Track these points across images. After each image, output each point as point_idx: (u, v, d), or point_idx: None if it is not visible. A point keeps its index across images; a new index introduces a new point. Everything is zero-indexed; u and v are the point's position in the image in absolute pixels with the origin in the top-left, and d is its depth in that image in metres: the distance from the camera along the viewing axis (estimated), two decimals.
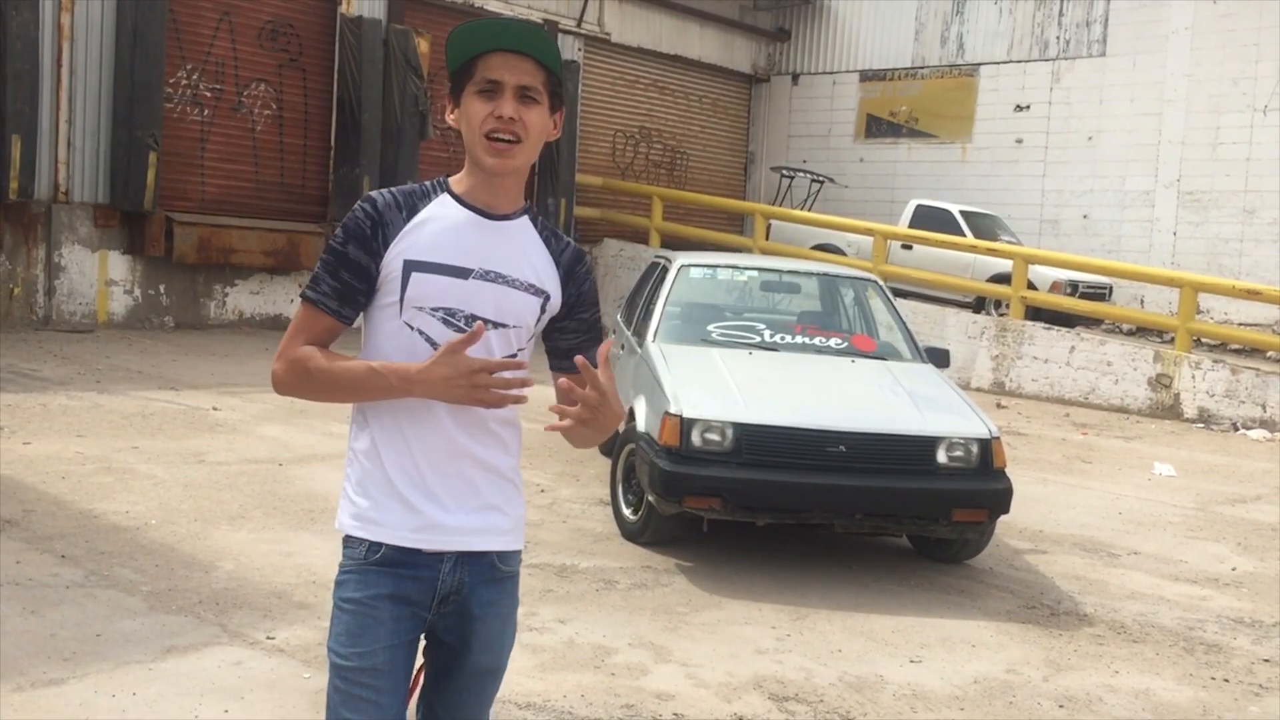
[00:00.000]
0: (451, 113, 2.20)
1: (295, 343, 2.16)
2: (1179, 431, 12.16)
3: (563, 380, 2.14)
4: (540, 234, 2.25)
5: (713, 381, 6.23)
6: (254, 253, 13.89)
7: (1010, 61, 19.05)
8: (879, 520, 5.88)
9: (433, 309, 2.13)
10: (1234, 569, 6.67)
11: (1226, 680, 4.83)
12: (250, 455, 7.52)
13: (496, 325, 2.16)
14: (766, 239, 17.13)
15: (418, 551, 2.15)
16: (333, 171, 15.01)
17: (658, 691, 4.25)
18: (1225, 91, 16.87)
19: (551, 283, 2.23)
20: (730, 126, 21.78)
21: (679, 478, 5.68)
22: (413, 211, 2.16)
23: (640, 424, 6.21)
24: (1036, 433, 11.37)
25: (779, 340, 7.04)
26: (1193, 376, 12.94)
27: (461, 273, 2.14)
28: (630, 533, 6.29)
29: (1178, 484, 9.22)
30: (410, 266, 2.13)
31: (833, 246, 16.96)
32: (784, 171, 19.90)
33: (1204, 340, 14.54)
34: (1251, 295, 13.63)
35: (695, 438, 5.75)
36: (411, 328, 2.14)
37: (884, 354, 7.13)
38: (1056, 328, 14.22)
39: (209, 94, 14.00)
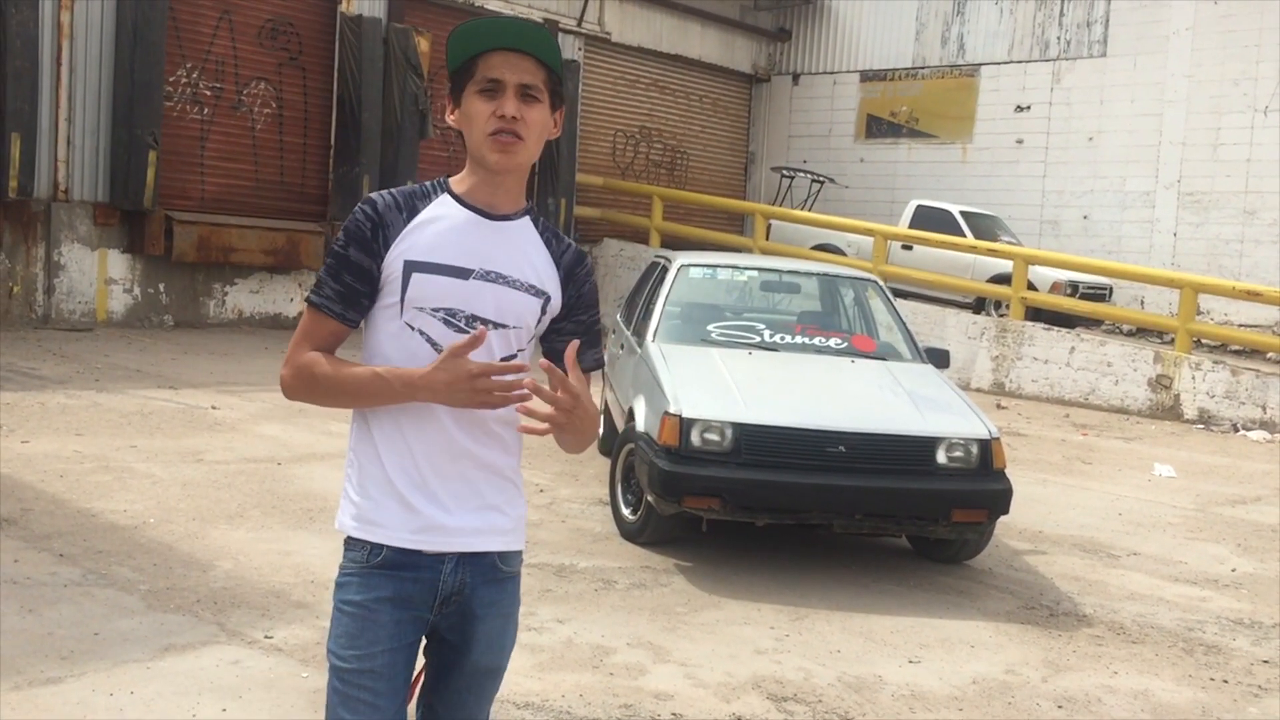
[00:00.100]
0: (452, 113, 2.19)
1: (302, 349, 2.17)
2: (1179, 432, 12.16)
3: (543, 361, 2.12)
4: (541, 235, 2.24)
5: (712, 381, 6.22)
6: (253, 252, 13.88)
7: (1011, 62, 19.04)
8: (878, 520, 5.87)
9: (433, 309, 2.13)
10: (1233, 570, 6.67)
11: (1225, 681, 4.83)
12: (249, 454, 7.52)
13: (497, 326, 2.15)
14: (767, 239, 17.13)
15: (419, 553, 2.14)
16: (332, 170, 15.00)
17: (656, 691, 4.24)
18: (1226, 92, 16.87)
19: (552, 284, 2.23)
20: (731, 126, 21.78)
21: (678, 478, 5.67)
22: (413, 212, 2.16)
23: (639, 424, 6.20)
24: (1036, 433, 11.36)
25: (779, 340, 7.03)
26: (1193, 377, 12.93)
27: (462, 273, 2.13)
28: (629, 533, 6.28)
29: (1178, 485, 9.21)
30: (411, 267, 2.12)
31: (833, 247, 16.96)
32: (784, 171, 19.90)
33: (1204, 341, 14.53)
34: (1252, 296, 13.63)
35: (695, 438, 5.74)
36: (412, 328, 2.13)
37: (884, 354, 7.12)
38: (1056, 328, 14.22)
39: (209, 92, 14.00)
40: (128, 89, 12.68)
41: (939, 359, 7.20)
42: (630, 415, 6.48)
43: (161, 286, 13.50)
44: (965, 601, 5.70)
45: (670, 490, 5.69)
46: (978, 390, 14.12)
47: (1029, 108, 18.84)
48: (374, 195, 2.19)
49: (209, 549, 5.46)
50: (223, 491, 6.52)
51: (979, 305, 15.66)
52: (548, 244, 2.24)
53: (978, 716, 4.28)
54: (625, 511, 6.37)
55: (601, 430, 8.46)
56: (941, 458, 5.86)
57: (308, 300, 2.19)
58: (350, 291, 2.14)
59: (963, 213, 16.58)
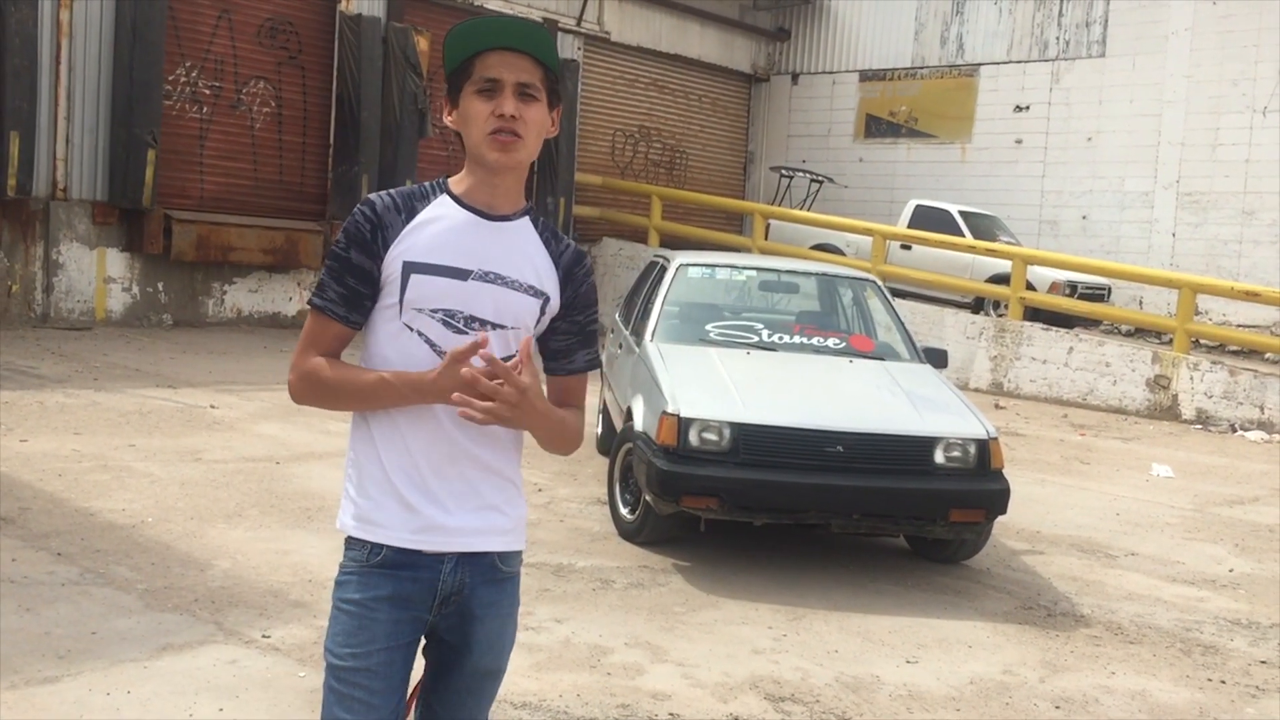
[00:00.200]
0: (450, 114, 2.19)
1: (307, 353, 2.18)
2: (1177, 433, 12.16)
3: (483, 351, 2.07)
4: (541, 235, 2.24)
5: (710, 381, 6.22)
6: (252, 251, 13.88)
7: (1010, 62, 19.05)
8: (876, 520, 5.87)
9: (432, 310, 2.13)
10: (1231, 570, 6.67)
11: (1223, 682, 4.83)
12: (247, 453, 7.52)
13: (495, 326, 2.16)
14: (765, 239, 17.13)
15: (418, 553, 2.14)
16: (331, 169, 15.00)
17: (654, 691, 4.24)
18: (1225, 93, 16.87)
19: (551, 284, 2.22)
20: (730, 126, 21.78)
21: (676, 477, 5.67)
22: (412, 213, 2.16)
23: (638, 423, 6.21)
24: (1034, 433, 11.37)
25: (777, 340, 7.03)
26: (1191, 378, 12.94)
27: (460, 274, 2.13)
28: (627, 532, 6.28)
29: (1175, 485, 9.22)
30: (409, 268, 2.13)
31: (832, 246, 16.96)
32: (783, 171, 19.90)
33: (1202, 341, 14.54)
34: (1250, 297, 13.63)
35: (693, 437, 5.74)
36: (411, 329, 2.14)
37: (882, 354, 7.13)
38: (1055, 328, 14.22)
39: (208, 91, 13.99)
40: (127, 88, 12.68)
41: (937, 359, 7.20)
42: (628, 415, 6.48)
43: (160, 285, 13.49)
44: (963, 601, 5.70)
45: (668, 490, 5.69)
46: (976, 390, 14.13)
47: (1028, 108, 18.84)
48: (373, 196, 2.19)
49: (207, 548, 5.46)
50: (221, 491, 6.52)
51: (978, 305, 15.67)
52: (547, 244, 2.24)
53: (975, 717, 4.28)
54: (623, 511, 6.37)
55: (600, 430, 8.47)
56: (939, 458, 5.86)
57: (310, 303, 2.19)
58: (353, 294, 2.15)
59: (961, 213, 16.58)
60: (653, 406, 6.07)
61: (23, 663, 3.98)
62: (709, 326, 7.14)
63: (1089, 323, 15.38)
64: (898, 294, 14.04)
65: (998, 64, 19.17)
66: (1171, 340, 13.66)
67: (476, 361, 2.06)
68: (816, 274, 8.32)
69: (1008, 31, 19.08)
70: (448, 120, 2.20)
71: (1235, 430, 12.31)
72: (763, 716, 4.11)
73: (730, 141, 21.83)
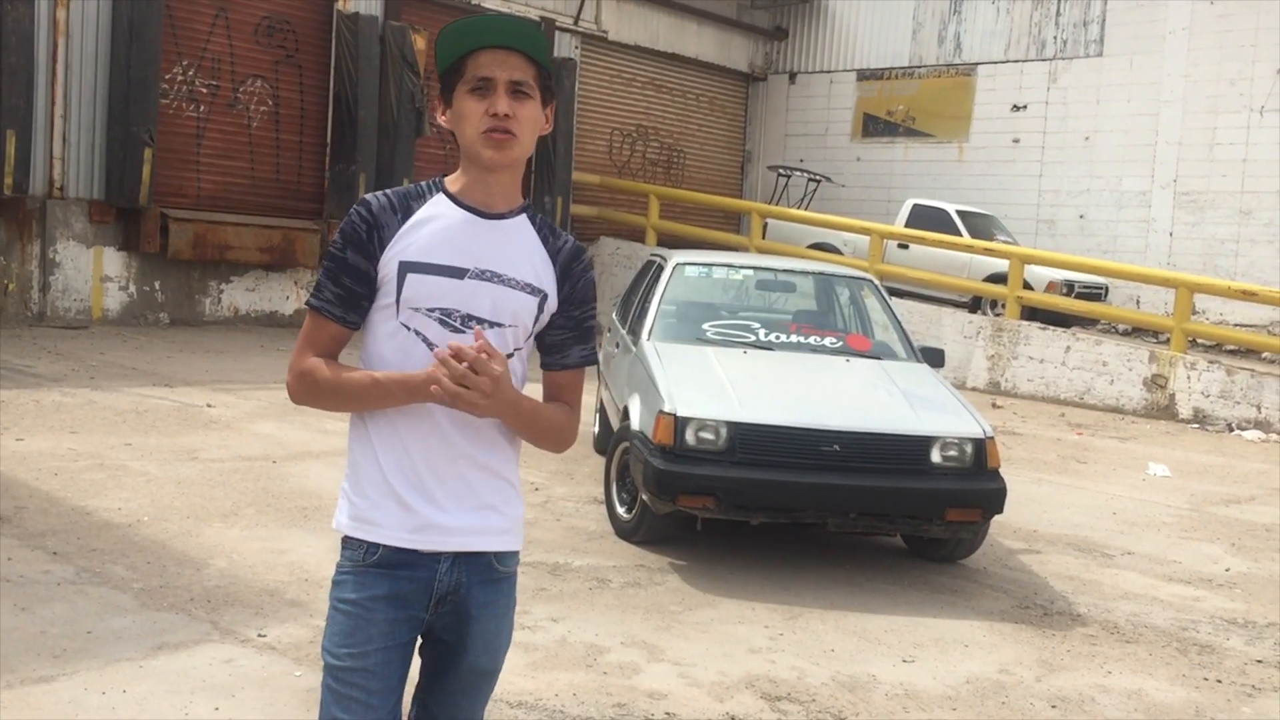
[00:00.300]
0: (443, 114, 2.19)
1: (304, 354, 2.18)
2: (1174, 432, 12.17)
3: (453, 344, 2.06)
4: (538, 231, 2.24)
5: (707, 380, 6.22)
6: (249, 249, 13.86)
7: (1007, 61, 19.05)
8: (873, 519, 5.87)
9: (428, 310, 2.13)
10: (1228, 570, 6.67)
11: (1219, 681, 4.83)
12: (244, 452, 7.51)
13: (493, 325, 2.16)
14: (763, 238, 17.13)
15: (415, 552, 2.15)
16: (329, 168, 14.98)
17: (650, 691, 4.24)
18: (1222, 92, 16.88)
19: (549, 281, 2.22)
20: (727, 125, 21.77)
21: (673, 476, 5.67)
22: (408, 213, 2.16)
23: (634, 423, 6.20)
24: (1031, 433, 11.37)
25: (774, 339, 7.03)
26: (1188, 377, 12.95)
27: (457, 273, 2.13)
28: (624, 531, 6.28)
29: (1172, 484, 9.22)
30: (405, 268, 2.13)
31: (829, 245, 16.96)
32: (781, 170, 19.89)
33: (1199, 341, 14.54)
34: (1247, 296, 13.64)
35: (689, 436, 5.74)
36: (408, 329, 2.14)
37: (879, 353, 7.13)
38: (1052, 328, 14.23)
39: (205, 90, 13.98)
40: (124, 86, 12.66)
41: (934, 358, 7.20)
42: (625, 414, 6.48)
43: (157, 284, 13.48)
44: (959, 601, 5.70)
45: (665, 489, 5.69)
46: (973, 389, 14.13)
47: (1025, 107, 18.84)
48: (369, 197, 2.19)
49: (203, 547, 5.46)
50: (217, 490, 6.52)
51: (975, 304, 15.67)
52: (544, 240, 2.24)
53: (971, 716, 4.28)
54: (620, 510, 6.37)
55: (597, 429, 8.46)
56: (936, 457, 5.87)
57: (308, 304, 2.20)
58: (350, 294, 2.16)
59: (959, 212, 16.59)
60: (649, 406, 6.07)
61: (18, 662, 3.97)
62: (706, 326, 7.14)
63: (1086, 322, 15.39)
64: (895, 293, 14.04)
65: (995, 63, 19.17)
66: (1168, 339, 13.66)
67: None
68: (813, 273, 8.32)
69: (1005, 31, 19.08)
70: (441, 120, 2.20)
71: (1232, 429, 12.32)
72: (759, 716, 4.11)
73: (728, 141, 21.82)
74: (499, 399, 2.06)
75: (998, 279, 15.08)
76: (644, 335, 7.00)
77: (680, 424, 5.75)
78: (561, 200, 17.24)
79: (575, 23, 18.21)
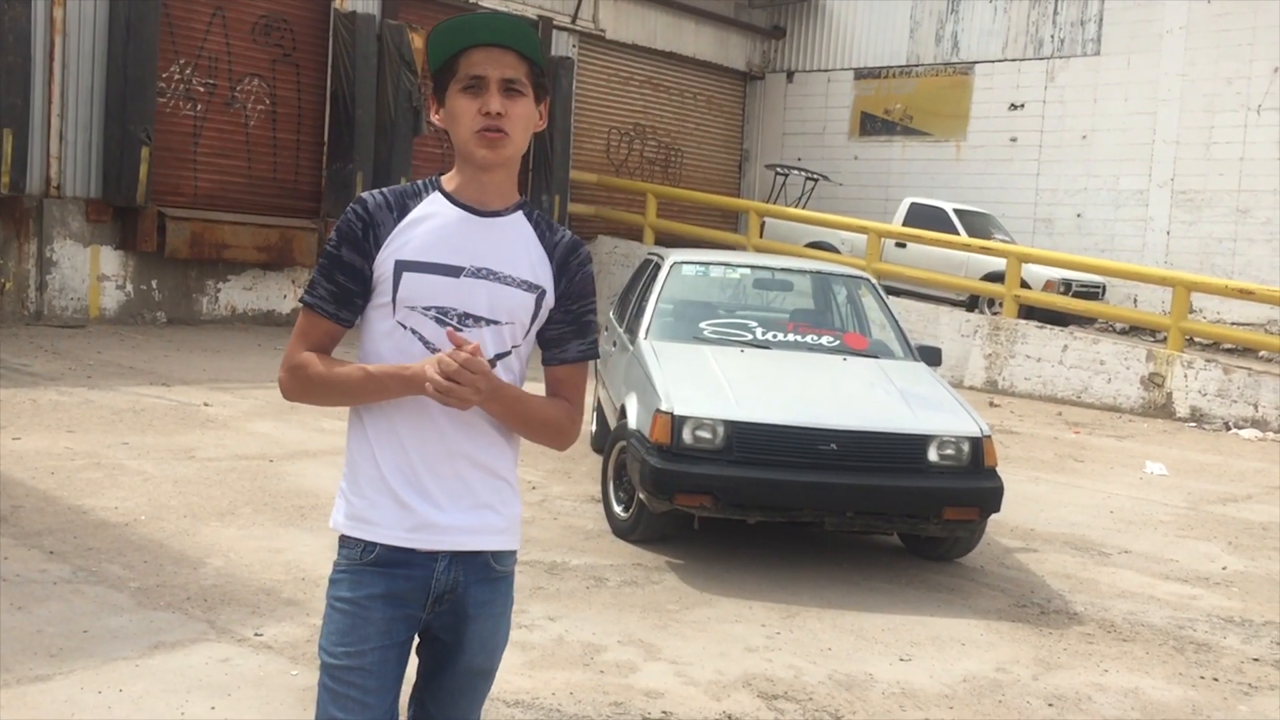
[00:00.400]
0: (437, 112, 2.19)
1: (297, 349, 2.18)
2: (1171, 430, 12.18)
3: (448, 330, 2.07)
4: (535, 228, 2.24)
5: (704, 379, 6.22)
6: (247, 248, 13.85)
7: (1005, 60, 19.05)
8: (870, 518, 5.87)
9: (425, 308, 2.13)
10: (1224, 568, 6.68)
11: (1216, 679, 4.84)
12: (241, 451, 7.50)
13: (489, 322, 2.15)
14: (761, 236, 17.13)
15: (412, 551, 2.14)
16: (326, 167, 14.97)
17: (647, 689, 4.24)
18: (1219, 91, 16.89)
19: (546, 277, 2.22)
20: (725, 124, 21.77)
21: (670, 475, 5.67)
22: (404, 211, 2.17)
23: (632, 421, 6.20)
24: (1029, 431, 11.38)
25: (771, 338, 7.03)
26: (1185, 376, 12.96)
27: (453, 271, 2.13)
28: (621, 530, 6.28)
29: (1169, 483, 9.23)
30: (401, 266, 2.13)
31: (827, 244, 16.96)
32: (778, 169, 19.89)
33: (1197, 339, 14.56)
34: (1244, 295, 13.65)
35: (686, 435, 5.74)
36: (405, 327, 2.14)
37: (876, 352, 7.13)
38: (1049, 326, 14.23)
39: (202, 89, 13.96)
40: (121, 85, 12.65)
41: (931, 357, 7.20)
42: (622, 413, 6.48)
43: (154, 283, 13.47)
44: (956, 599, 5.70)
45: (662, 488, 5.69)
46: (971, 388, 14.14)
47: (1023, 106, 18.85)
48: (365, 195, 2.19)
49: (200, 546, 5.45)
50: (214, 489, 6.51)
51: (972, 303, 15.68)
52: (541, 236, 2.23)
53: (968, 714, 4.28)
54: (617, 509, 6.37)
55: (594, 428, 8.46)
56: (933, 455, 5.87)
57: (302, 300, 2.20)
58: (343, 291, 2.16)
59: (956, 210, 16.59)
60: (646, 404, 6.07)
61: (14, 661, 3.97)
62: (703, 324, 7.14)
63: (1083, 321, 15.40)
64: (893, 292, 14.05)
65: (993, 62, 19.18)
66: (1166, 338, 13.67)
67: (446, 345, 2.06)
68: (811, 272, 8.31)
69: (1003, 30, 19.09)
70: (435, 118, 2.20)
71: (1229, 428, 12.33)
72: (756, 714, 4.11)
73: (725, 139, 21.82)
74: (489, 393, 2.07)
75: (995, 278, 15.08)
76: (641, 334, 7.00)
77: (677, 423, 5.75)
78: (559, 199, 17.24)
79: (573, 21, 18.20)
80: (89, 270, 12.91)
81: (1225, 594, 6.15)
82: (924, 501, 5.80)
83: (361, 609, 2.13)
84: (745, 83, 21.93)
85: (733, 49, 21.37)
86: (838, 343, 7.13)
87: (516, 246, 2.20)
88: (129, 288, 13.27)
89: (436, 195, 2.19)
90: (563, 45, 18.05)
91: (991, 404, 13.05)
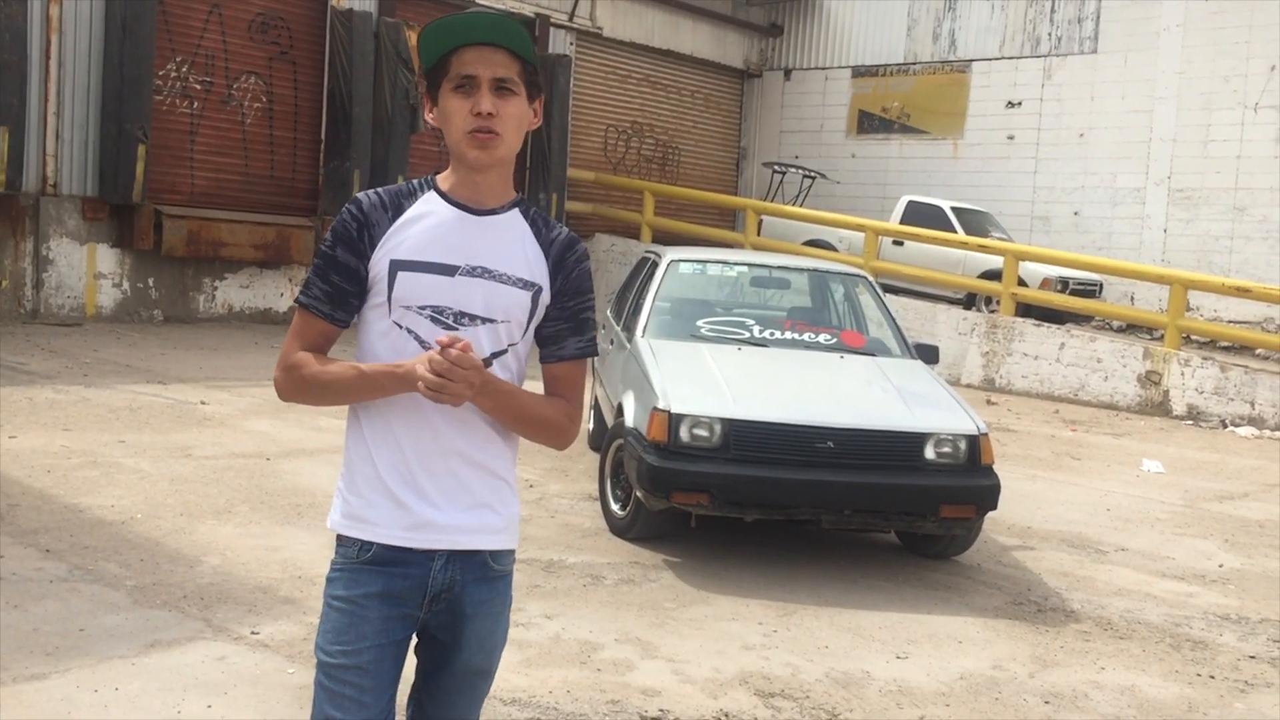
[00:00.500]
0: (430, 111, 2.19)
1: (291, 350, 2.18)
2: (1168, 428, 12.19)
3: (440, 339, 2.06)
4: (531, 225, 2.23)
5: (701, 377, 6.22)
6: (243, 246, 13.84)
7: (1002, 58, 19.06)
8: (867, 516, 5.88)
9: (420, 307, 2.13)
10: (1221, 566, 6.68)
11: (1212, 677, 4.84)
12: (237, 449, 7.50)
13: (485, 321, 2.15)
14: (758, 234, 17.12)
15: (408, 550, 2.14)
16: (323, 165, 14.96)
17: (644, 687, 4.24)
18: (1216, 89, 16.89)
19: (541, 273, 2.21)
20: (722, 122, 21.77)
21: (667, 473, 5.67)
22: (399, 211, 2.17)
23: (629, 419, 6.20)
24: (1026, 429, 11.38)
25: (768, 336, 7.03)
26: (1182, 373, 12.96)
27: (448, 270, 2.13)
28: (618, 528, 6.28)
29: (1166, 481, 9.23)
30: (396, 266, 2.13)
31: (824, 242, 16.95)
32: (776, 167, 19.89)
33: (1193, 337, 14.57)
34: (1241, 293, 13.66)
35: (683, 433, 5.74)
36: (401, 327, 2.14)
37: (873, 350, 7.13)
38: (1047, 324, 14.24)
39: (199, 87, 13.95)
40: (117, 83, 12.63)
41: (928, 354, 7.20)
42: (620, 411, 6.48)
43: (151, 281, 13.45)
44: (953, 597, 5.70)
45: (659, 486, 5.69)
46: (968, 386, 14.15)
47: (1020, 104, 18.85)
48: (360, 195, 2.19)
49: (196, 544, 5.45)
50: (211, 487, 6.51)
51: (970, 301, 15.68)
52: (537, 233, 2.23)
53: (965, 712, 4.28)
54: (614, 507, 6.37)
55: (591, 426, 8.46)
56: (930, 453, 5.87)
57: (297, 301, 2.20)
58: (338, 292, 2.16)
59: (954, 208, 16.59)
60: (644, 402, 6.07)
61: (10, 660, 3.96)
62: (700, 322, 7.14)
63: (1081, 318, 15.41)
64: (890, 290, 14.05)
65: (990, 60, 19.18)
66: (1163, 336, 13.68)
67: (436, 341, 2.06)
68: (808, 270, 8.31)
69: (1000, 27, 19.09)
70: (429, 117, 2.20)
71: (1226, 426, 12.34)
72: (752, 712, 4.11)
73: (723, 137, 21.82)
74: (482, 388, 2.06)
75: (992, 275, 15.09)
76: (638, 332, 7.00)
77: (674, 421, 5.75)
78: (556, 197, 17.23)
79: (570, 19, 18.19)
80: (85, 268, 12.90)
81: (1222, 591, 6.15)
82: (921, 499, 5.80)
83: (358, 607, 2.13)
84: (743, 81, 21.92)
85: (730, 47, 21.36)
86: (835, 341, 7.13)
87: (512, 244, 2.19)
88: (126, 286, 13.25)
89: (432, 194, 2.19)
90: (560, 43, 18.03)
91: (989, 402, 13.06)
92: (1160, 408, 13.05)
